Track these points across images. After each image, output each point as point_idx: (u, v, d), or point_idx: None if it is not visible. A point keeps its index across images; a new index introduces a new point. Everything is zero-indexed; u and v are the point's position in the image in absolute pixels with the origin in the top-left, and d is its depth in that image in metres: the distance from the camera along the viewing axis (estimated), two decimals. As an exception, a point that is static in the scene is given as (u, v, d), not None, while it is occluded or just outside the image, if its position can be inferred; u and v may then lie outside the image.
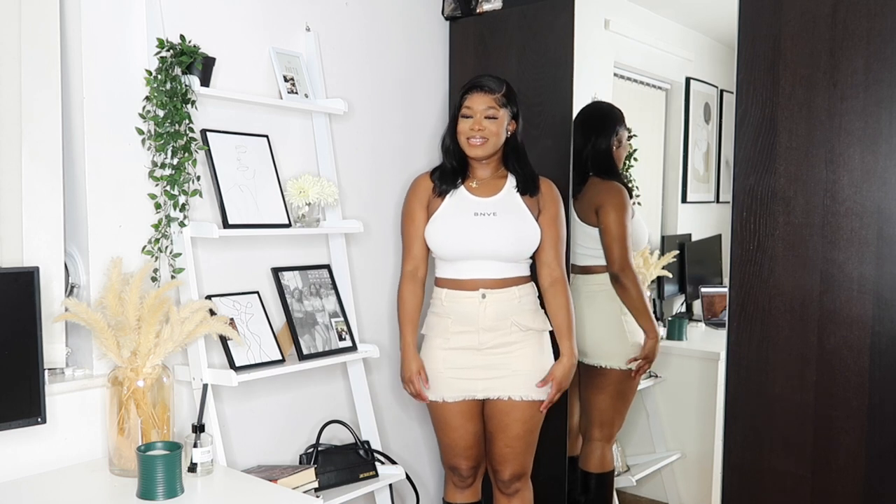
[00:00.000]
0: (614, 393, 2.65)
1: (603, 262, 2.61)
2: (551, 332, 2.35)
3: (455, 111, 2.30)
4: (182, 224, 2.02)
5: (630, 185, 2.76)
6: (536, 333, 2.30)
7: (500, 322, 2.26)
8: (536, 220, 2.29)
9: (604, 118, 2.69)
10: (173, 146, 1.99)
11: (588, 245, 2.65)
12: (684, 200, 3.04)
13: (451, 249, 2.29)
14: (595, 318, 2.63)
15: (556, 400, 2.30)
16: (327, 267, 2.44)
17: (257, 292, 2.24)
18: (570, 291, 2.35)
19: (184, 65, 1.99)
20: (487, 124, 2.24)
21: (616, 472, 2.86)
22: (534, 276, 2.36)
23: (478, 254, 2.26)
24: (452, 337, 2.29)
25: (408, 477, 2.48)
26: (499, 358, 2.27)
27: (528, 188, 2.30)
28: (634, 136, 2.94)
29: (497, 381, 2.27)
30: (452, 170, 2.31)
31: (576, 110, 2.55)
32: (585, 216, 2.64)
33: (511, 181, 2.32)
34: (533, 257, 2.34)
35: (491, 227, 2.25)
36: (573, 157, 2.54)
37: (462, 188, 2.32)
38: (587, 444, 2.74)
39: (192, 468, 1.87)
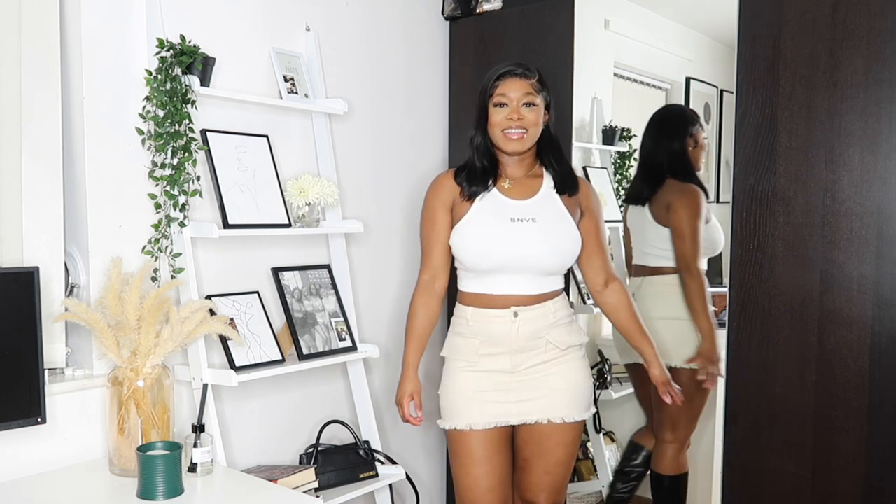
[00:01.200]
0: (685, 395, 2.58)
1: (670, 263, 2.59)
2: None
3: (483, 100, 2.02)
4: (182, 224, 2.02)
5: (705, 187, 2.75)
6: (574, 349, 2.08)
7: (534, 342, 2.02)
8: (577, 224, 2.06)
9: (676, 120, 2.68)
10: (173, 146, 1.99)
11: (660, 246, 2.63)
12: (685, 200, 3.04)
13: (484, 261, 2.01)
14: (656, 314, 2.57)
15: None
16: (327, 267, 2.44)
17: (257, 292, 2.24)
18: (629, 296, 2.16)
19: (184, 65, 1.99)
20: (526, 113, 1.97)
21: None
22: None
23: (514, 266, 2.00)
24: (481, 360, 2.04)
25: (408, 477, 2.48)
26: (535, 379, 2.03)
27: (566, 187, 2.05)
28: (634, 136, 2.94)
29: (534, 402, 2.03)
30: (483, 170, 2.03)
31: (576, 110, 2.55)
32: (659, 217, 2.61)
33: (548, 180, 2.06)
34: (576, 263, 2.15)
35: (531, 235, 1.99)
36: (647, 159, 2.57)
37: (494, 189, 2.04)
38: (659, 445, 2.70)
39: (192, 468, 1.87)
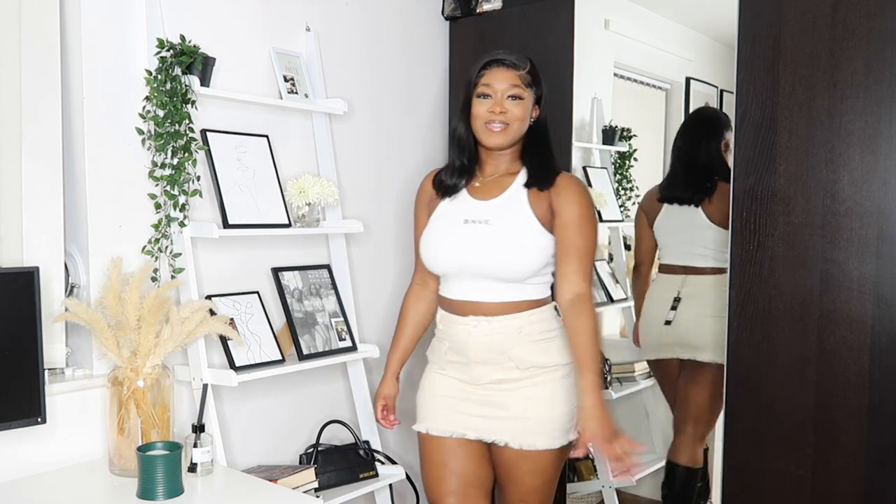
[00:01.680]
0: (713, 389, 2.49)
1: (718, 264, 2.56)
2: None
3: (469, 90, 1.91)
4: (182, 224, 2.02)
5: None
6: (545, 371, 1.87)
7: (495, 355, 1.86)
8: (548, 226, 1.87)
9: (716, 122, 2.66)
10: (173, 146, 1.99)
11: (710, 247, 2.61)
12: (685, 201, 3.04)
13: (436, 264, 1.93)
14: (698, 311, 2.58)
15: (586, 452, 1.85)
16: (327, 267, 2.44)
17: (257, 292, 2.24)
18: (595, 312, 1.88)
19: (184, 65, 1.99)
20: (510, 106, 1.84)
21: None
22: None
23: (467, 271, 1.87)
24: (448, 365, 1.96)
25: (408, 477, 2.48)
26: (498, 396, 1.88)
27: (535, 181, 1.87)
28: (634, 136, 2.94)
29: (493, 421, 1.88)
30: (461, 168, 1.94)
31: (576, 110, 2.55)
32: (718, 219, 2.54)
33: (521, 178, 1.91)
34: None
35: (480, 238, 1.86)
36: (688, 160, 2.58)
37: (464, 189, 1.95)
38: (679, 436, 2.71)
39: (192, 468, 1.87)
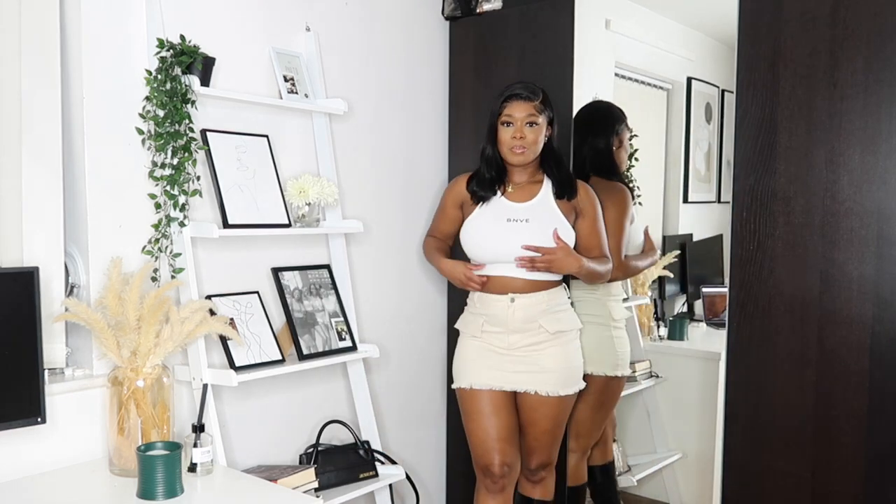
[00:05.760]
0: (594, 403, 2.63)
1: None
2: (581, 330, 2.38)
3: (493, 119, 2.31)
4: (182, 224, 2.02)
5: (632, 185, 2.75)
6: (564, 334, 2.32)
7: (528, 325, 2.29)
8: (573, 224, 2.32)
9: (602, 117, 2.67)
10: (173, 146, 1.99)
11: None
12: (685, 200, 3.04)
13: (484, 254, 2.33)
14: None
15: (539, 263, 2.23)
16: (327, 267, 2.44)
17: (257, 292, 2.24)
18: (608, 272, 2.36)
19: (184, 65, 1.99)
20: (528, 132, 2.26)
21: (617, 472, 2.86)
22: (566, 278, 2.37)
23: (508, 258, 2.27)
24: (484, 335, 2.34)
25: (408, 477, 2.48)
26: (528, 357, 2.30)
27: (564, 192, 2.31)
28: (635, 136, 2.94)
29: (526, 375, 2.30)
30: (490, 180, 2.33)
31: (576, 110, 2.54)
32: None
33: (547, 186, 2.34)
34: None
35: (523, 233, 2.27)
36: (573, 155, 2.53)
37: (499, 194, 2.35)
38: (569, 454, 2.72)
39: (192, 468, 1.87)
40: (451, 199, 2.43)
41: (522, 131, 2.25)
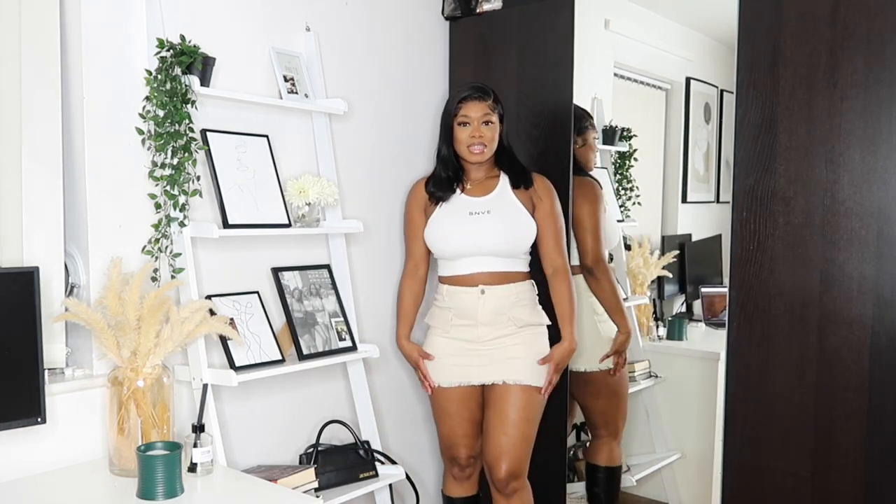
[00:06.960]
0: (607, 394, 2.66)
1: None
2: (549, 327, 2.41)
3: (448, 120, 2.38)
4: (182, 224, 2.02)
5: (598, 182, 2.76)
6: (533, 327, 2.38)
7: (497, 317, 2.34)
8: (532, 214, 2.37)
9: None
10: (173, 146, 1.99)
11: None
12: (684, 200, 3.04)
13: (450, 248, 2.38)
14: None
15: (554, 383, 2.37)
16: (327, 267, 2.44)
17: (257, 292, 2.24)
18: (573, 280, 2.42)
19: (184, 65, 1.99)
20: (485, 130, 2.33)
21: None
22: (536, 270, 2.42)
23: (475, 250, 2.34)
24: (452, 329, 2.39)
25: (408, 477, 2.48)
26: (496, 349, 2.35)
27: (520, 182, 2.38)
28: (634, 136, 2.94)
29: (493, 366, 2.35)
30: (447, 179, 2.40)
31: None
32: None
33: (504, 179, 2.41)
34: (534, 251, 2.41)
35: (486, 224, 2.34)
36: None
37: (458, 191, 2.41)
38: (595, 440, 2.80)
39: (192, 468, 1.87)
40: (415, 205, 2.46)
41: (480, 130, 2.33)
